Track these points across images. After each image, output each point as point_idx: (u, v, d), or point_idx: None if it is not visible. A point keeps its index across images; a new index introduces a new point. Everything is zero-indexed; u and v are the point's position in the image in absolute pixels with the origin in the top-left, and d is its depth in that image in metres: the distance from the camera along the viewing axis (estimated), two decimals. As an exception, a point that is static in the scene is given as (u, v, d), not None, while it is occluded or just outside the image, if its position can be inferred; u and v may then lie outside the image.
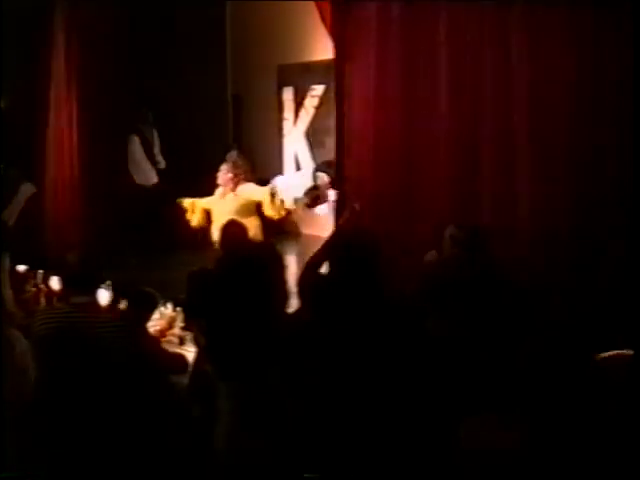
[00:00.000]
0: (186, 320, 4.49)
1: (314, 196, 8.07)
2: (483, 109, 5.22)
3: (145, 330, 4.16)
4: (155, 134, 8.44)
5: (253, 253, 3.49)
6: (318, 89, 9.69)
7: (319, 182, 7.95)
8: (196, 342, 3.82)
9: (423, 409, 2.94)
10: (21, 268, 5.39)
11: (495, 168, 5.16)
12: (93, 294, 3.85)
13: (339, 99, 5.90)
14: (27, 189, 6.50)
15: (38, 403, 3.59)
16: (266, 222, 6.42)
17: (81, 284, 3.72)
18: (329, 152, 7.69)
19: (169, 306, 4.93)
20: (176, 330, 4.78)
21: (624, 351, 3.01)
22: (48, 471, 3.55)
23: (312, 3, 6.67)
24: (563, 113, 4.84)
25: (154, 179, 8.39)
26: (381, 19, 5.60)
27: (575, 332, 2.51)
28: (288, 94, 10.20)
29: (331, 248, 3.51)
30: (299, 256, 7.65)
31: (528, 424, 2.26)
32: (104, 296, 4.69)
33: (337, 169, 6.10)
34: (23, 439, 3.50)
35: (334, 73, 5.96)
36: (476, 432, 2.34)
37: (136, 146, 8.16)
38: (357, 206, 4.85)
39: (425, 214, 5.48)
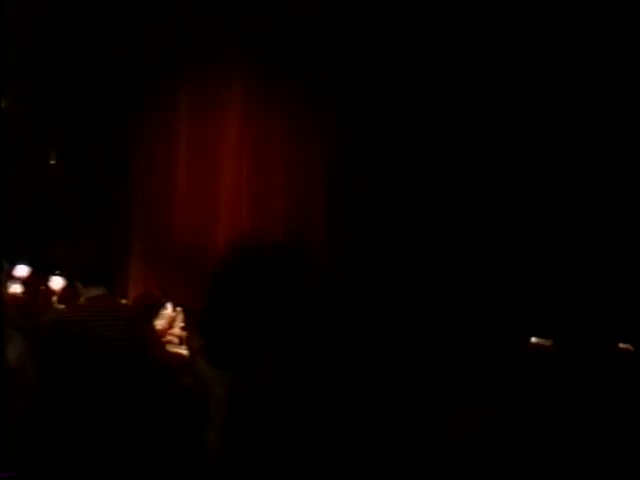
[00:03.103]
0: (187, 320, 4.50)
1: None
2: None
3: (152, 329, 4.17)
4: None
5: (250, 250, 3.49)
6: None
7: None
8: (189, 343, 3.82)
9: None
10: (22, 269, 5.39)
11: None
12: (104, 290, 3.82)
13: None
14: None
15: (40, 402, 3.58)
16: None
17: (94, 281, 3.70)
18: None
19: (169, 306, 4.94)
20: (176, 330, 4.79)
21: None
22: (49, 471, 3.54)
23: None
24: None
25: None
26: None
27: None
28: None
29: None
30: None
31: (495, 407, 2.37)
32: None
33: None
34: (23, 439, 3.50)
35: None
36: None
37: None
38: None
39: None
